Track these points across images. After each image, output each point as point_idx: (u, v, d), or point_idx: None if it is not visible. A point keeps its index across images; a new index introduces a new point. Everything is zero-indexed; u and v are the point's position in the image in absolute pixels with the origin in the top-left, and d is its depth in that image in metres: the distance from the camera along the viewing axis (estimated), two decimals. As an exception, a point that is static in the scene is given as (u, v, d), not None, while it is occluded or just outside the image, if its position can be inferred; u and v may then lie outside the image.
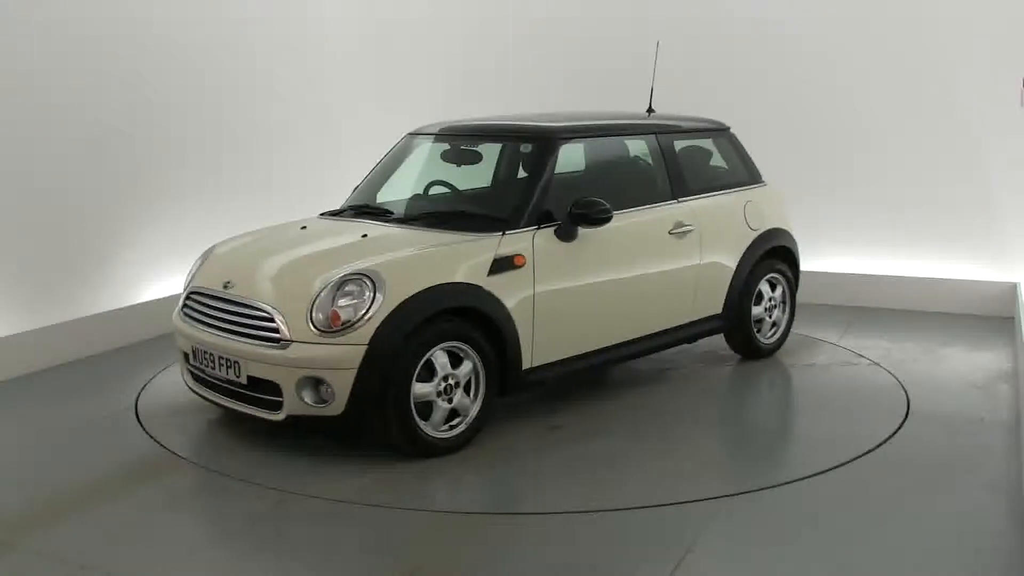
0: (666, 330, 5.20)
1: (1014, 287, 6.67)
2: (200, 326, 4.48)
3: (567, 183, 4.95)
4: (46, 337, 5.77)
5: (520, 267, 4.43)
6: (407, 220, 4.87)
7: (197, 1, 6.92)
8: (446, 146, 5.32)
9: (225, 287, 4.43)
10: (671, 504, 3.78)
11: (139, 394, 5.23)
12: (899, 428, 4.60)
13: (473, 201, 5.23)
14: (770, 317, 5.75)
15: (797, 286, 5.98)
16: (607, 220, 4.63)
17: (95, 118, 6.17)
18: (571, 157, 5.15)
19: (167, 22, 6.67)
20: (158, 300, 6.44)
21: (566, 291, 4.62)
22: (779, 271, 5.76)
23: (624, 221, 4.92)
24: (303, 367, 4.01)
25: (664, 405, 5.01)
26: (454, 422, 4.30)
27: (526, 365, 4.51)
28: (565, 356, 4.71)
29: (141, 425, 4.76)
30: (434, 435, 4.21)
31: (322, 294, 4.07)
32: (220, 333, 4.34)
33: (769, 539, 3.53)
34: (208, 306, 4.50)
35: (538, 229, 4.57)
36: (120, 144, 6.37)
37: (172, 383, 5.30)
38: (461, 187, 5.31)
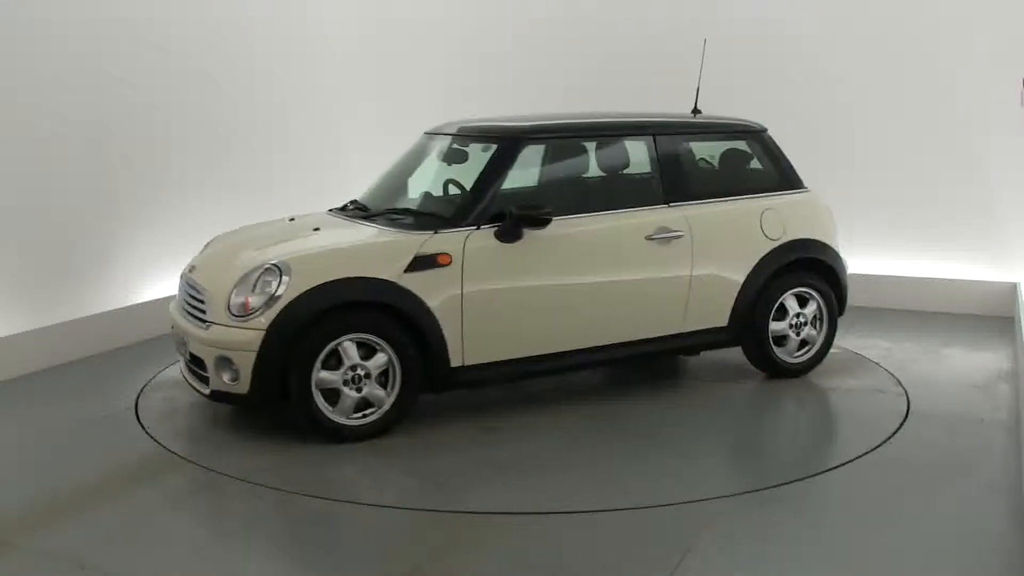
0: (645, 339, 4.96)
1: (1014, 287, 6.67)
2: (176, 307, 4.90)
3: (527, 185, 4.84)
4: (46, 337, 5.77)
5: (445, 266, 4.46)
6: (371, 217, 4.94)
7: (197, 1, 6.92)
8: (450, 145, 5.28)
9: (190, 271, 4.83)
10: (670, 505, 3.78)
11: (139, 394, 5.23)
12: (899, 428, 4.60)
13: (433, 200, 5.11)
14: (797, 334, 5.31)
15: (842, 303, 5.48)
16: (547, 222, 4.57)
17: (95, 118, 6.17)
18: (543, 158, 5.03)
19: (167, 22, 6.66)
20: (158, 300, 6.43)
21: (503, 292, 4.58)
22: (811, 285, 5.32)
23: (584, 225, 4.79)
24: (216, 347, 4.35)
25: (666, 411, 4.99)
26: (367, 411, 4.41)
27: (456, 363, 4.53)
28: (507, 358, 4.66)
29: (141, 425, 4.76)
30: (342, 422, 4.37)
31: (241, 281, 4.37)
32: (181, 313, 4.75)
33: (769, 539, 3.53)
34: (182, 289, 4.89)
35: (476, 229, 4.56)
36: (120, 144, 6.36)
37: (172, 383, 5.30)
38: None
